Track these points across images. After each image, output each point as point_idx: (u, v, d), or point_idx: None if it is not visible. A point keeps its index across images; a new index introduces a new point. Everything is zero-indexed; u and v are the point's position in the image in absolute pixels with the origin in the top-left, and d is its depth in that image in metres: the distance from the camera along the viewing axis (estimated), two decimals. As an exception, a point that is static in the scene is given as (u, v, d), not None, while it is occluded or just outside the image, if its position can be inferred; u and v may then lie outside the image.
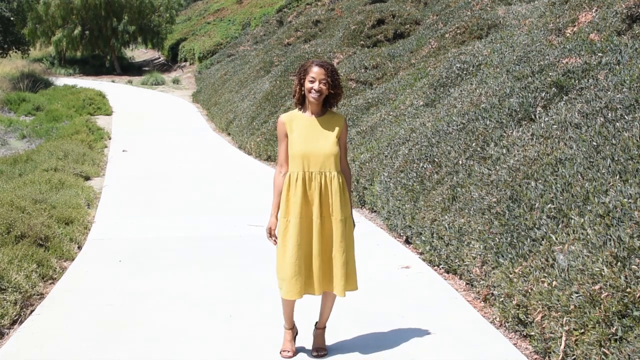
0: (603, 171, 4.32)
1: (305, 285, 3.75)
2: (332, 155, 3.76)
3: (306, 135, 3.75)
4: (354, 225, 3.86)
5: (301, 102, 3.83)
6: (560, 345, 3.63)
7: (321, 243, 3.72)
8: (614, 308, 3.40)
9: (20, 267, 5.16)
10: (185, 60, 35.82)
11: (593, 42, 6.65)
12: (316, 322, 4.03)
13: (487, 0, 12.58)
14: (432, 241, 5.76)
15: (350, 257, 3.79)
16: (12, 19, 33.93)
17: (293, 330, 3.98)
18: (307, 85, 3.74)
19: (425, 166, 6.71)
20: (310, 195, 3.73)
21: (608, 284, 3.48)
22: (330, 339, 4.06)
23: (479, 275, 4.87)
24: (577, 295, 3.65)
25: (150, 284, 5.30)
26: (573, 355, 3.56)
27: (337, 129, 3.80)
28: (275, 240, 3.79)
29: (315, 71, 3.72)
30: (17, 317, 4.63)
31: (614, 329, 3.36)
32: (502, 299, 4.41)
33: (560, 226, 4.27)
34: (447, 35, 11.79)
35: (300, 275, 3.71)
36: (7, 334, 4.42)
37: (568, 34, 7.58)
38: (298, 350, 3.97)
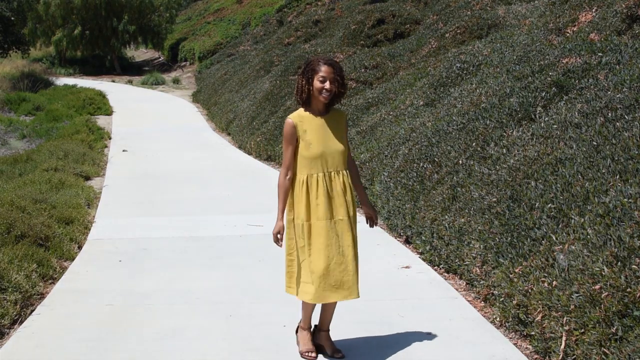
0: (603, 171, 4.32)
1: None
2: (346, 153, 3.76)
3: (321, 135, 3.70)
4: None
5: (307, 102, 3.73)
6: (561, 345, 3.64)
7: (339, 245, 3.68)
8: (614, 308, 3.40)
9: (21, 267, 5.16)
10: (185, 60, 35.78)
11: (593, 42, 6.65)
12: (317, 325, 3.99)
13: (487, 0, 12.58)
14: (432, 241, 5.76)
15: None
16: (12, 18, 33.91)
17: (310, 329, 3.95)
18: (317, 84, 3.65)
19: (425, 166, 6.71)
20: (333, 195, 3.69)
21: (608, 283, 3.48)
22: (330, 339, 4.07)
23: (479, 275, 4.87)
24: (577, 295, 3.65)
25: (150, 284, 5.31)
26: (573, 355, 3.56)
27: (342, 126, 3.79)
28: (282, 244, 3.75)
29: (325, 70, 3.64)
30: (17, 317, 4.63)
31: (614, 328, 3.36)
32: (502, 298, 4.41)
33: (560, 226, 4.27)
34: (447, 35, 11.79)
35: (330, 276, 3.67)
36: (7, 334, 4.42)
37: (568, 34, 7.58)
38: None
